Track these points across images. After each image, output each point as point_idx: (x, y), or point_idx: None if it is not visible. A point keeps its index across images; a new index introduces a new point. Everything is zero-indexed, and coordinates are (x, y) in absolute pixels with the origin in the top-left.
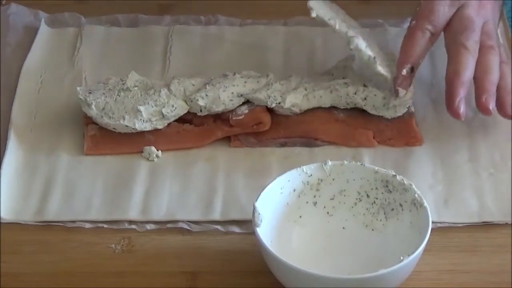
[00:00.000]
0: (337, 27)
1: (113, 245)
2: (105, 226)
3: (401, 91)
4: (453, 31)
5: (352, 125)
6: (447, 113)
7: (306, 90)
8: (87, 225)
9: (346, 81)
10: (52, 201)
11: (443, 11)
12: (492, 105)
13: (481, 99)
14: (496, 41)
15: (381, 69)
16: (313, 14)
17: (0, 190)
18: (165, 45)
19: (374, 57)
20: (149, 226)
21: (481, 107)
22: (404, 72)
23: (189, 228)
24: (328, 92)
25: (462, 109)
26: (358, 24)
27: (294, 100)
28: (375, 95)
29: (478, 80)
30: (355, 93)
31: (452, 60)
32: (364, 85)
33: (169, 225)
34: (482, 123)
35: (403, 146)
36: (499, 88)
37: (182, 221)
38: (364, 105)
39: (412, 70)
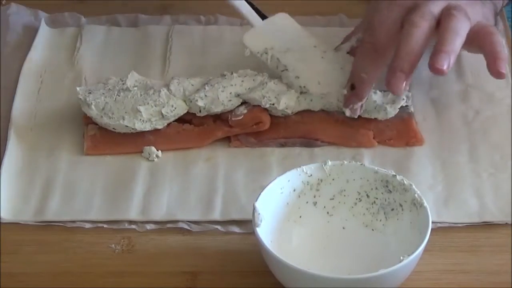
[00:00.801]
0: (268, 62)
1: (113, 245)
2: (105, 226)
3: (345, 110)
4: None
5: (352, 126)
6: (447, 113)
7: (298, 94)
8: (87, 225)
9: None
10: (52, 201)
11: (380, 19)
12: (441, 64)
13: (430, 59)
14: (463, 14)
15: (318, 90)
16: (247, 53)
17: (0, 190)
18: (165, 45)
19: (305, 86)
20: (149, 226)
21: (430, 66)
22: (344, 91)
23: (189, 228)
24: (318, 97)
25: (402, 83)
26: (306, 35)
27: (288, 101)
28: (367, 100)
29: (436, 43)
30: None
31: (400, 40)
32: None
33: (169, 225)
34: (482, 124)
35: (403, 146)
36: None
37: (182, 221)
38: None
39: (352, 87)
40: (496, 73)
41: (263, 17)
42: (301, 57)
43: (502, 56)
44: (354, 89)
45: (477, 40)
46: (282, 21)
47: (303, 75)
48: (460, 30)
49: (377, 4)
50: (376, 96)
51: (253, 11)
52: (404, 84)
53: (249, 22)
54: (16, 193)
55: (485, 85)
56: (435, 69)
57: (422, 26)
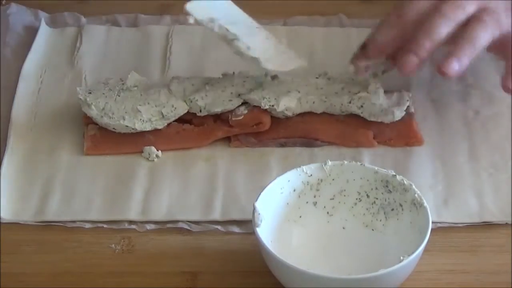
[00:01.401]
0: (215, 29)
1: (113, 245)
2: (105, 226)
3: (350, 67)
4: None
5: (352, 126)
6: (447, 113)
7: (299, 93)
8: (87, 225)
9: (337, 90)
10: (52, 201)
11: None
12: (448, 69)
13: (439, 63)
14: (494, 21)
15: (268, 65)
16: (191, 20)
17: (0, 190)
18: (165, 45)
19: (258, 58)
20: (149, 226)
21: (437, 68)
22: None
23: (189, 228)
24: (321, 100)
25: (412, 64)
26: (252, 20)
27: (288, 103)
28: (373, 103)
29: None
30: (350, 102)
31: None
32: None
33: (169, 225)
34: (483, 124)
35: (403, 146)
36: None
37: (182, 221)
38: (361, 113)
39: (364, 47)
40: (505, 87)
41: None
42: (247, 32)
43: (456, 54)
44: (364, 49)
45: (501, 53)
46: (222, 0)
47: (255, 47)
48: (480, 39)
49: None
50: (382, 100)
51: None
52: (413, 69)
53: None
54: (16, 193)
55: (485, 85)
56: (440, 72)
57: (449, 18)
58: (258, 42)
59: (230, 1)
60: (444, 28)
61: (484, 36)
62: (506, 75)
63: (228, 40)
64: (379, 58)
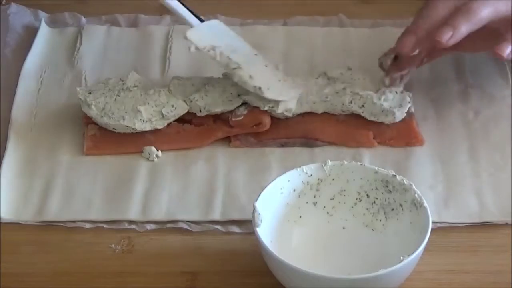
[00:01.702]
0: (217, 58)
1: (113, 245)
2: (105, 226)
3: (386, 80)
4: None
5: (352, 126)
6: (447, 113)
7: (299, 95)
8: (87, 225)
9: (338, 90)
10: (52, 201)
11: (437, 7)
12: (441, 37)
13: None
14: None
15: (269, 94)
16: (192, 49)
17: (0, 190)
18: (165, 45)
19: (260, 87)
20: (149, 226)
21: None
22: (388, 61)
23: (189, 228)
24: (322, 100)
25: (411, 45)
26: (249, 46)
27: (288, 105)
28: (374, 103)
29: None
30: (351, 102)
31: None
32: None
33: (169, 225)
34: (483, 124)
35: (403, 147)
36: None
37: (182, 221)
38: (362, 112)
39: (396, 58)
40: (497, 51)
41: (200, 20)
42: (248, 60)
43: (451, 24)
44: (396, 60)
45: (498, 25)
46: (218, 26)
47: (256, 76)
48: (479, 11)
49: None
50: (384, 100)
51: (190, 13)
52: (411, 45)
53: (188, 22)
54: (16, 193)
55: (485, 85)
56: (435, 41)
57: (447, 2)
58: (258, 70)
59: (227, 27)
60: (440, 9)
61: (484, 9)
62: (502, 43)
63: (230, 69)
64: (412, 67)
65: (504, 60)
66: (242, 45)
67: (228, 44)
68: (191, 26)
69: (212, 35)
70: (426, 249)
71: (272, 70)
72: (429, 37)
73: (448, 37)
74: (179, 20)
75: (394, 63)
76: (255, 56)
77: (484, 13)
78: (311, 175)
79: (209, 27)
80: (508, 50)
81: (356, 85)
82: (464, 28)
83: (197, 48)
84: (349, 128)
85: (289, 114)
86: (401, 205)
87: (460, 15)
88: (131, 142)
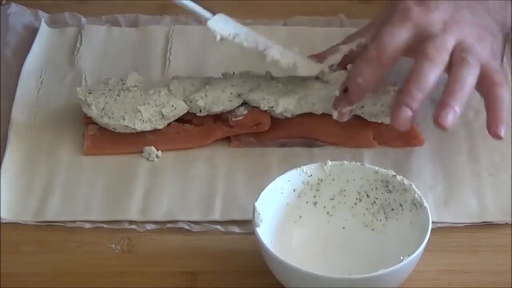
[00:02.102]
0: (245, 44)
1: (113, 245)
2: (105, 226)
3: (333, 112)
4: (415, 48)
5: (352, 126)
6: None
7: (298, 94)
8: (87, 225)
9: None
10: (52, 201)
11: (392, 32)
12: (445, 121)
13: (434, 111)
14: (475, 59)
15: (304, 70)
16: (218, 38)
17: (0, 190)
18: (165, 45)
19: (294, 63)
20: (149, 226)
21: (434, 120)
22: (337, 92)
23: (189, 228)
24: (322, 100)
25: (406, 119)
26: (259, 34)
27: (287, 105)
28: (374, 104)
29: (443, 93)
30: None
31: (411, 70)
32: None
33: (169, 225)
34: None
35: (403, 147)
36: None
37: (182, 221)
38: (362, 113)
39: (345, 90)
40: (494, 135)
41: (213, 13)
42: (268, 44)
43: (502, 117)
44: (346, 92)
45: (481, 89)
46: (227, 18)
47: (284, 55)
48: (469, 80)
49: (390, 15)
50: (384, 101)
51: (201, 8)
52: (408, 122)
53: (203, 16)
54: (16, 193)
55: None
56: (438, 125)
57: (435, 61)
58: (282, 50)
59: (237, 22)
60: (433, 75)
61: (470, 78)
62: (491, 120)
63: (260, 51)
64: (361, 100)
65: (447, 131)
66: (255, 34)
67: (245, 33)
68: (205, 19)
69: (228, 25)
70: (426, 249)
71: (291, 52)
72: (416, 109)
73: (452, 121)
74: (180, 20)
75: (344, 96)
76: (271, 41)
77: (473, 82)
78: (311, 175)
79: (223, 19)
80: (451, 119)
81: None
82: (462, 107)
83: (222, 37)
84: (349, 128)
85: (289, 115)
86: (401, 205)
87: (456, 91)
88: (131, 142)
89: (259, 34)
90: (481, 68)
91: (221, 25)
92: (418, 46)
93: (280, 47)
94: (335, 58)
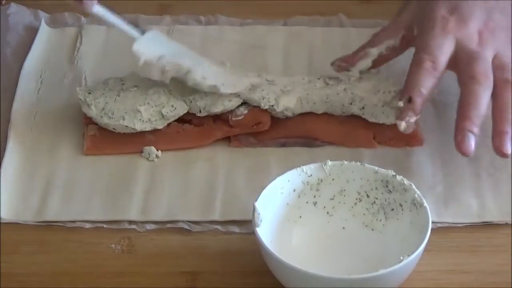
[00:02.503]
0: (167, 67)
1: (113, 245)
2: (105, 226)
3: (400, 124)
4: (460, 66)
5: (352, 126)
6: (447, 113)
7: (299, 93)
8: (87, 225)
9: (338, 91)
10: (52, 201)
11: (439, 43)
12: (506, 148)
13: (493, 141)
14: None
15: (225, 89)
16: (141, 62)
17: (0, 190)
18: (132, 38)
19: (215, 85)
20: (149, 226)
21: (495, 150)
22: (401, 103)
23: (189, 228)
24: (322, 100)
25: (472, 145)
26: (187, 48)
27: (287, 104)
28: (374, 105)
29: (493, 120)
30: (351, 103)
31: (463, 94)
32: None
33: (169, 225)
34: (482, 124)
35: (403, 147)
36: None
37: (182, 221)
38: (363, 114)
39: (410, 100)
40: (498, 151)
41: (142, 32)
42: (195, 62)
43: (507, 130)
44: (411, 102)
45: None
46: (158, 35)
47: (208, 76)
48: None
49: (427, 23)
50: (384, 101)
51: (130, 26)
52: (474, 145)
53: (131, 36)
54: (16, 193)
55: None
56: (502, 154)
57: (485, 84)
58: (209, 69)
59: (165, 35)
60: (485, 98)
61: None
62: (497, 137)
63: (182, 74)
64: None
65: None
66: (185, 50)
67: (173, 51)
68: (133, 38)
69: (155, 45)
70: (426, 249)
71: (220, 67)
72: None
73: (510, 146)
74: (180, 20)
75: (409, 106)
76: (200, 58)
77: None
78: (311, 175)
79: (152, 37)
80: (508, 146)
81: (356, 86)
82: None
83: (145, 61)
84: (349, 128)
85: (289, 114)
86: (401, 205)
87: (508, 117)
88: (131, 142)
89: (189, 50)
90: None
91: (148, 45)
92: (460, 63)
93: (207, 65)
94: (366, 63)
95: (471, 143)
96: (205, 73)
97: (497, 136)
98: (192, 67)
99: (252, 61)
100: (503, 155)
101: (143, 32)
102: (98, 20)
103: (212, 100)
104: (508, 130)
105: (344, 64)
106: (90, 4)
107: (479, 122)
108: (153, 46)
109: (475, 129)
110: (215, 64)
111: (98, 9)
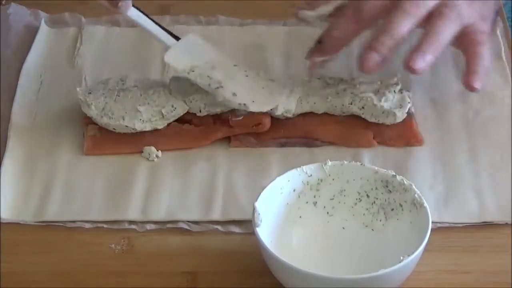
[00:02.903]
0: (198, 80)
1: (113, 245)
2: (105, 226)
3: (307, 63)
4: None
5: (352, 126)
6: (447, 113)
7: (299, 95)
8: (87, 225)
9: (338, 91)
10: (52, 201)
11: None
12: (415, 64)
13: (406, 57)
14: (456, 15)
15: (255, 107)
16: (171, 74)
17: (0, 190)
18: (165, 45)
19: (245, 104)
20: (149, 226)
21: (404, 65)
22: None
23: (189, 228)
24: (322, 100)
25: (372, 61)
26: (223, 54)
27: (288, 105)
28: (374, 104)
29: (420, 39)
30: (351, 103)
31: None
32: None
33: (169, 225)
34: (483, 124)
35: (403, 147)
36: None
37: (182, 221)
38: (362, 114)
39: (320, 42)
40: (467, 86)
41: (176, 38)
42: (228, 75)
43: (477, 70)
44: (320, 43)
45: (461, 46)
46: (194, 41)
47: (239, 92)
48: (444, 33)
49: None
50: (384, 101)
51: (165, 33)
52: (375, 66)
53: (164, 43)
54: (16, 193)
55: (485, 85)
56: (408, 67)
57: (411, 14)
58: (241, 83)
59: (202, 40)
60: (405, 25)
61: (446, 31)
62: (468, 73)
63: (212, 89)
64: (335, 53)
65: (417, 74)
66: (220, 58)
67: (206, 61)
68: (166, 46)
69: (189, 54)
70: (426, 249)
71: (254, 78)
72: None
73: (421, 66)
74: (180, 20)
75: (318, 46)
76: (234, 68)
77: (448, 35)
78: (311, 175)
79: (185, 45)
80: (420, 64)
81: (356, 86)
82: (433, 56)
83: (176, 71)
84: (349, 128)
85: (289, 115)
86: (401, 205)
87: (428, 40)
88: (131, 142)
89: (224, 58)
90: (464, 27)
91: (181, 54)
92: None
93: (239, 77)
94: (327, 9)
95: (373, 61)
96: (236, 87)
97: (411, 52)
98: (223, 81)
99: (252, 61)
100: (410, 69)
101: (177, 38)
102: (99, 20)
103: (212, 100)
104: (425, 50)
105: (307, 7)
106: (126, 6)
107: (389, 43)
108: (186, 54)
109: (383, 49)
110: (250, 74)
111: (133, 12)
